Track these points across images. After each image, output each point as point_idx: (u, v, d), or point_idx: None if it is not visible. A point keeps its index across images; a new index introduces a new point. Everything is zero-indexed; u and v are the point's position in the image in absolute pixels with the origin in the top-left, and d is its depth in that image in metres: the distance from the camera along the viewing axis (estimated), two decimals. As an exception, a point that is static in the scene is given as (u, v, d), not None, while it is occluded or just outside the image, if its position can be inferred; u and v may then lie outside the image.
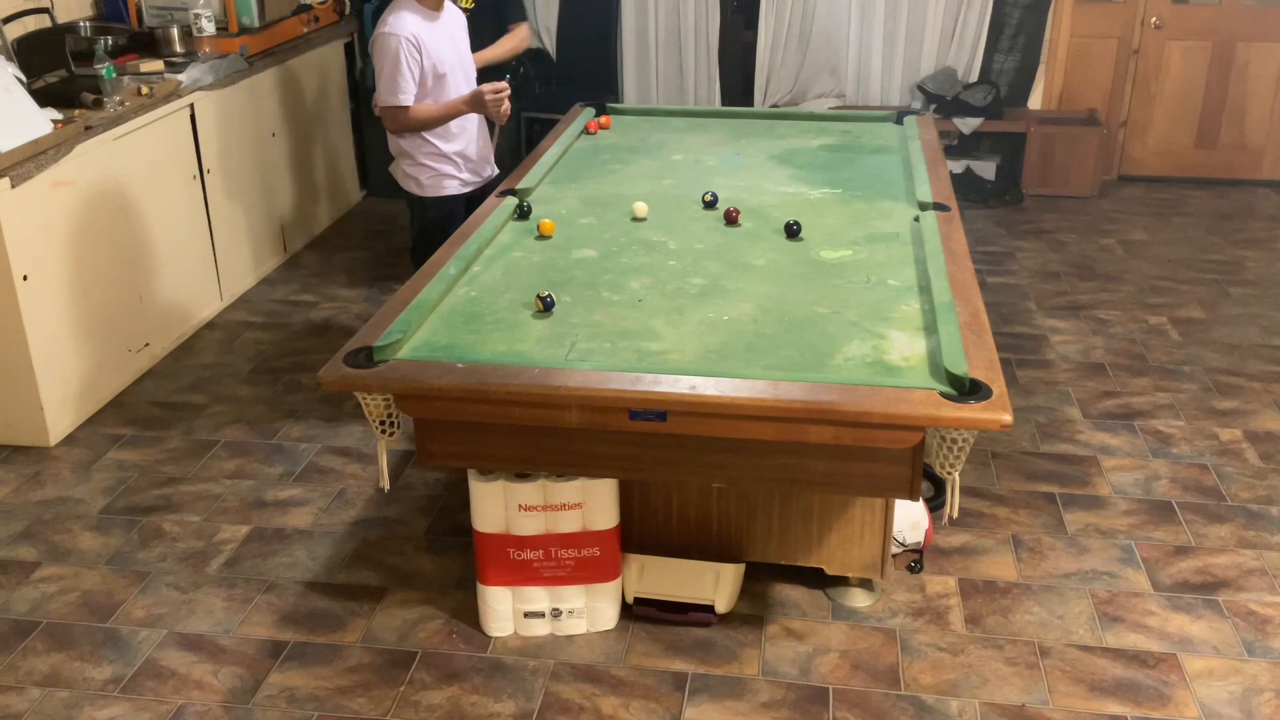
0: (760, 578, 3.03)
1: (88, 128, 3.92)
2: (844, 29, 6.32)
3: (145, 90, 4.32)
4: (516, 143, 5.99)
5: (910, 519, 3.07)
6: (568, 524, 2.77)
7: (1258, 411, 3.95)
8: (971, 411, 2.24)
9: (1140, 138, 6.47)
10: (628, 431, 2.45)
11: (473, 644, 2.85)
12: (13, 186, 3.54)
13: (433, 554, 3.22)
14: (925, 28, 6.26)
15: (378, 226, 5.91)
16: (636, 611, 2.90)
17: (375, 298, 4.94)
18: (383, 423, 2.51)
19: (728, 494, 2.93)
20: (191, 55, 4.82)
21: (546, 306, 2.73)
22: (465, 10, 4.08)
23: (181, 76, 4.51)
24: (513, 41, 4.26)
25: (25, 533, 3.35)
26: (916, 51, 6.32)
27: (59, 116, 3.91)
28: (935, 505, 3.22)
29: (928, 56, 6.32)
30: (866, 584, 2.99)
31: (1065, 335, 4.57)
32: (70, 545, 3.29)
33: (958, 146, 6.27)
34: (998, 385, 2.31)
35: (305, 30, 5.49)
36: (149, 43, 4.85)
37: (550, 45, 6.48)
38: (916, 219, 3.30)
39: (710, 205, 3.45)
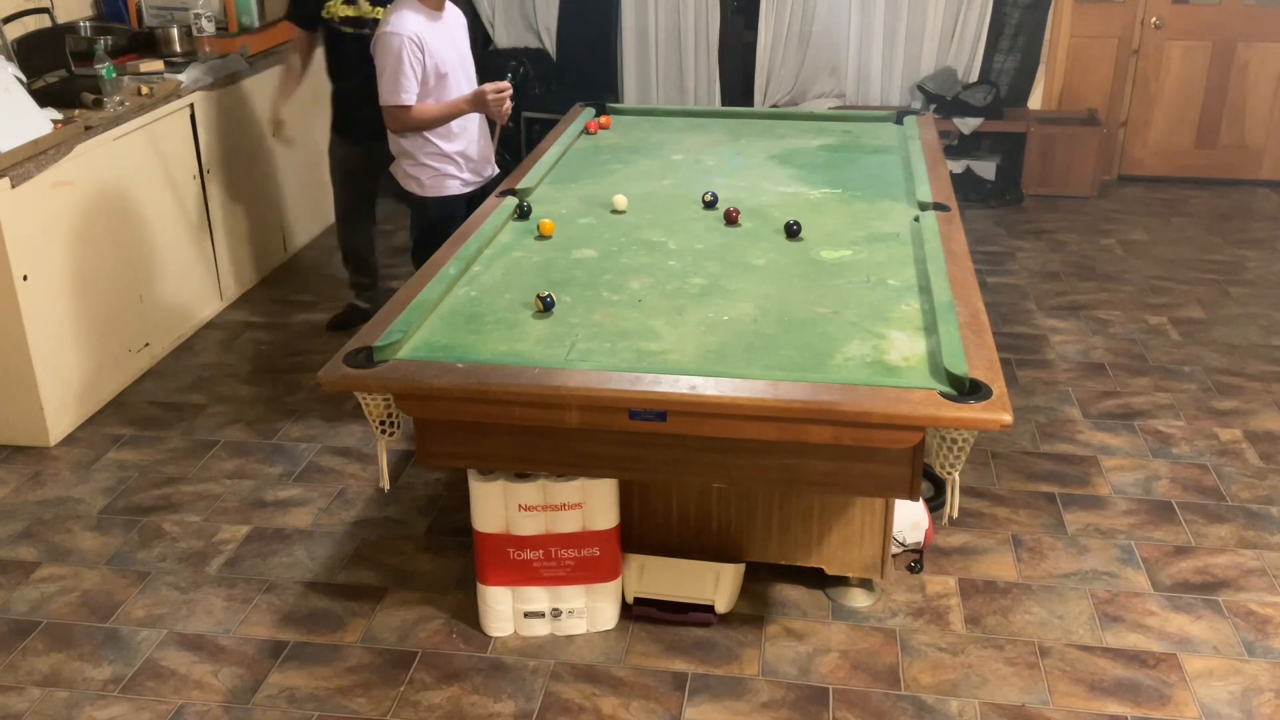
0: (760, 578, 3.03)
1: (88, 128, 3.92)
2: (844, 29, 6.32)
3: (145, 90, 4.32)
4: (516, 143, 5.99)
5: (910, 519, 3.07)
6: (568, 524, 2.77)
7: (1258, 411, 3.95)
8: (971, 411, 2.24)
9: (1140, 138, 6.47)
10: (628, 431, 2.45)
11: (473, 644, 2.86)
12: (13, 186, 3.54)
13: (433, 554, 3.22)
14: (925, 28, 6.26)
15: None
16: (636, 611, 2.90)
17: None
18: (383, 423, 2.51)
19: (728, 494, 2.93)
20: (191, 55, 4.82)
21: (546, 306, 2.73)
22: (379, 21, 4.01)
23: (181, 76, 4.51)
24: None
25: (25, 533, 3.35)
26: (916, 51, 6.33)
27: (59, 116, 3.91)
28: (935, 505, 3.22)
29: (928, 56, 6.32)
30: (866, 584, 2.99)
31: (1065, 335, 4.57)
32: (70, 545, 3.29)
33: (958, 146, 6.27)
34: (998, 385, 2.31)
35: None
36: (149, 43, 4.86)
37: (550, 45, 6.48)
38: (916, 219, 3.30)
39: (710, 205, 3.45)
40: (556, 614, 2.85)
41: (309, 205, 5.62)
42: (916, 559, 3.12)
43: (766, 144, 4.14)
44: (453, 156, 3.78)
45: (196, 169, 4.60)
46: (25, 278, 3.63)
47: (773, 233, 3.25)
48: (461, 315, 2.75)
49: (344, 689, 2.71)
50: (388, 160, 3.99)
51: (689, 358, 2.51)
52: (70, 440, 3.86)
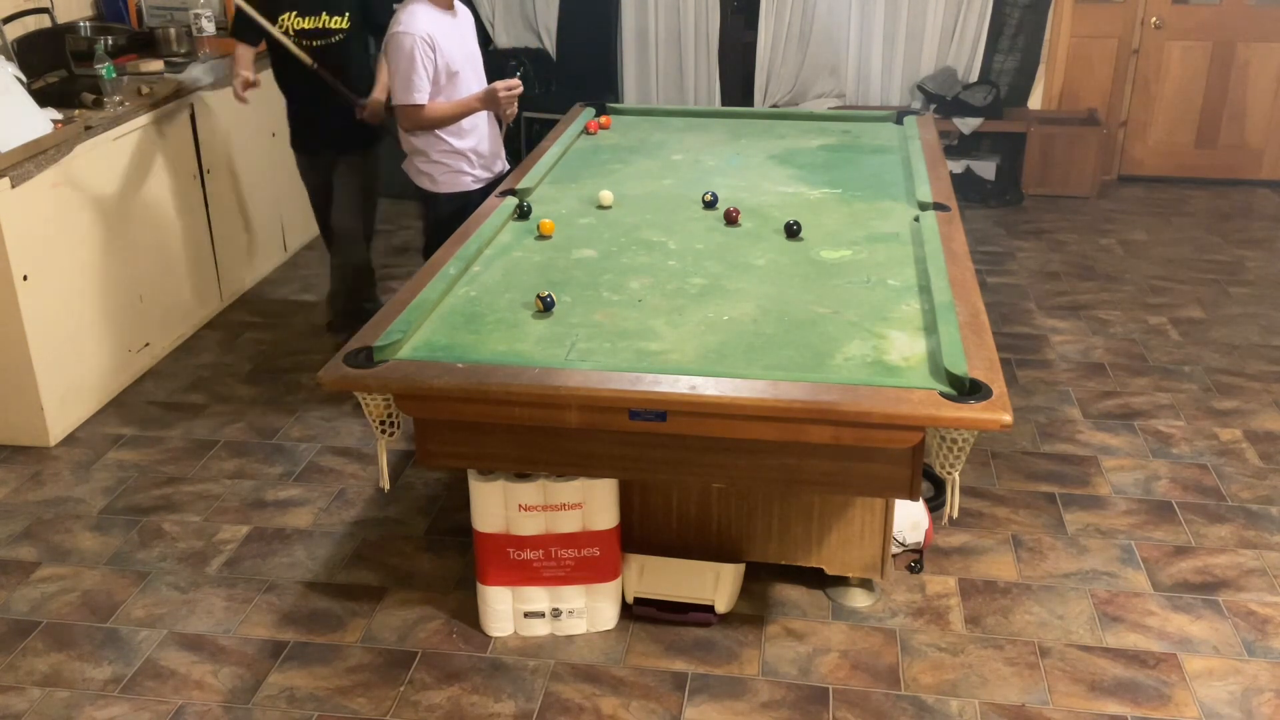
0: (760, 578, 3.03)
1: (88, 128, 3.92)
2: (844, 29, 6.32)
3: (145, 90, 4.32)
4: (516, 143, 5.99)
5: (910, 519, 3.07)
6: (568, 524, 2.77)
7: (1258, 411, 3.95)
8: (971, 411, 2.24)
9: (1140, 138, 6.47)
10: (628, 431, 2.45)
11: (473, 644, 2.85)
12: (13, 186, 3.54)
13: (433, 554, 3.22)
14: (925, 28, 6.26)
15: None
16: (636, 611, 2.90)
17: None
18: (383, 423, 2.51)
19: (728, 494, 2.93)
20: (191, 55, 4.82)
21: (546, 306, 2.73)
22: (339, 30, 3.96)
23: (181, 76, 4.51)
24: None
25: (25, 533, 3.35)
26: (916, 51, 6.33)
27: (59, 116, 3.92)
28: (935, 505, 3.22)
29: (928, 56, 6.32)
30: (866, 584, 2.99)
31: (1065, 335, 4.57)
32: (70, 545, 3.29)
33: (958, 146, 6.27)
34: (998, 385, 2.31)
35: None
36: (149, 43, 4.86)
37: (550, 45, 6.48)
38: (916, 219, 3.30)
39: (710, 205, 3.45)
40: (556, 614, 2.85)
41: (309, 205, 5.61)
42: (916, 559, 3.12)
43: (766, 144, 4.14)
44: (465, 153, 3.80)
45: (196, 169, 4.60)
46: (25, 278, 3.63)
47: (773, 233, 3.25)
48: (461, 315, 2.75)
49: (344, 689, 2.71)
50: (348, 169, 3.99)
51: (689, 358, 2.51)
52: (70, 440, 3.86)
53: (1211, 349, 4.43)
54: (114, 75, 4.31)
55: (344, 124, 4.06)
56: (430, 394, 2.42)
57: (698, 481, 2.87)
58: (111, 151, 4.05)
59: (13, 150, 3.57)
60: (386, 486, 2.70)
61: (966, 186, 6.13)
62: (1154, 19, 6.21)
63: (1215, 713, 2.61)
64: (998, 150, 6.36)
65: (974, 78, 6.28)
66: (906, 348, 2.54)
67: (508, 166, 4.00)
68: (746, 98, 6.52)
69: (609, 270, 3.01)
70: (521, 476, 2.73)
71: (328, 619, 2.96)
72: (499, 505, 2.74)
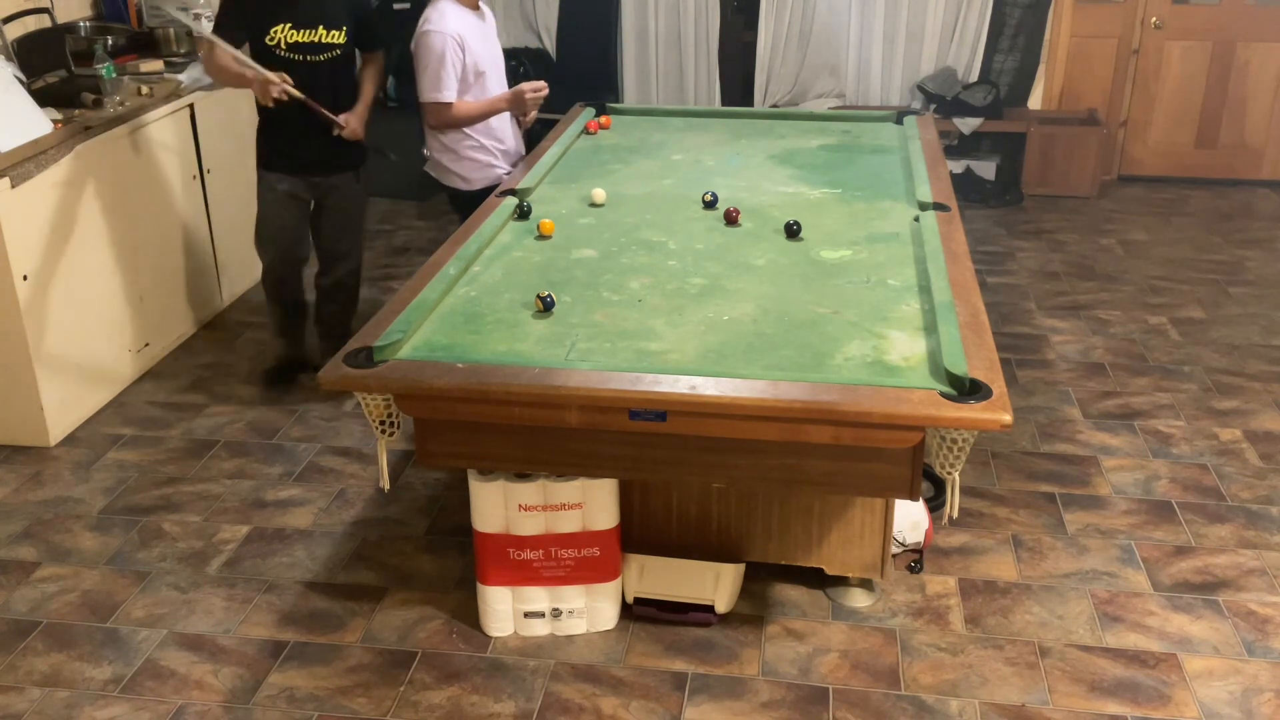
0: (760, 578, 3.03)
1: (88, 128, 3.92)
2: (844, 29, 6.32)
3: (145, 90, 4.32)
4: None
5: (910, 519, 3.07)
6: (568, 524, 2.77)
7: (1258, 411, 3.95)
8: (971, 411, 2.24)
9: (1140, 138, 6.48)
10: (628, 431, 2.44)
11: (473, 644, 2.85)
12: (13, 186, 3.54)
13: (433, 554, 3.22)
14: (925, 27, 6.26)
15: (378, 226, 5.92)
16: (636, 611, 2.90)
17: (376, 297, 4.93)
18: (383, 423, 2.51)
19: (728, 494, 2.93)
20: (192, 55, 4.82)
21: (546, 306, 2.73)
22: (335, 45, 3.79)
23: (181, 76, 4.51)
24: (374, 74, 4.01)
25: (25, 533, 3.35)
26: (916, 51, 6.33)
27: (59, 116, 3.92)
28: (935, 505, 3.22)
29: (928, 56, 6.33)
30: (866, 584, 2.99)
31: (1065, 335, 4.57)
32: (70, 545, 3.29)
33: (958, 146, 6.27)
34: (998, 385, 2.31)
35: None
36: (149, 43, 4.86)
37: (550, 45, 6.49)
38: (916, 219, 3.30)
39: (710, 205, 3.45)
40: (556, 614, 2.85)
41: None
42: (916, 559, 3.12)
43: (766, 144, 4.14)
44: (491, 149, 3.89)
45: (196, 169, 4.60)
46: (25, 278, 3.63)
47: (773, 233, 3.25)
48: (461, 315, 2.75)
49: (344, 689, 2.71)
50: (342, 189, 3.96)
51: (689, 358, 2.51)
52: (70, 440, 3.86)
53: (1211, 349, 4.43)
54: (114, 75, 4.31)
55: (336, 143, 3.88)
56: (430, 394, 2.42)
57: (698, 481, 2.87)
58: (111, 152, 4.05)
59: (13, 150, 3.58)
60: (386, 486, 2.70)
61: (966, 186, 6.14)
62: (1154, 19, 6.22)
63: (1215, 713, 2.61)
64: (998, 150, 6.36)
65: (974, 78, 6.28)
66: (906, 348, 2.54)
67: None
68: (746, 98, 6.53)
69: (609, 270, 3.01)
70: (521, 476, 2.73)
71: (328, 619, 2.96)
72: (499, 505, 2.74)
